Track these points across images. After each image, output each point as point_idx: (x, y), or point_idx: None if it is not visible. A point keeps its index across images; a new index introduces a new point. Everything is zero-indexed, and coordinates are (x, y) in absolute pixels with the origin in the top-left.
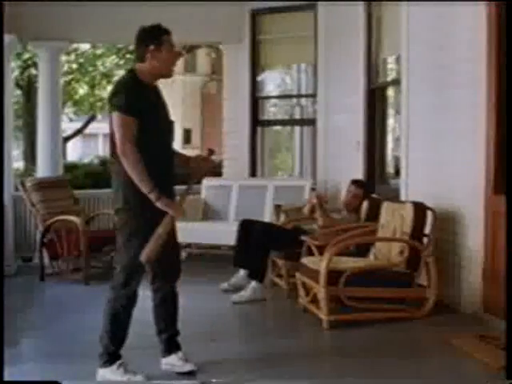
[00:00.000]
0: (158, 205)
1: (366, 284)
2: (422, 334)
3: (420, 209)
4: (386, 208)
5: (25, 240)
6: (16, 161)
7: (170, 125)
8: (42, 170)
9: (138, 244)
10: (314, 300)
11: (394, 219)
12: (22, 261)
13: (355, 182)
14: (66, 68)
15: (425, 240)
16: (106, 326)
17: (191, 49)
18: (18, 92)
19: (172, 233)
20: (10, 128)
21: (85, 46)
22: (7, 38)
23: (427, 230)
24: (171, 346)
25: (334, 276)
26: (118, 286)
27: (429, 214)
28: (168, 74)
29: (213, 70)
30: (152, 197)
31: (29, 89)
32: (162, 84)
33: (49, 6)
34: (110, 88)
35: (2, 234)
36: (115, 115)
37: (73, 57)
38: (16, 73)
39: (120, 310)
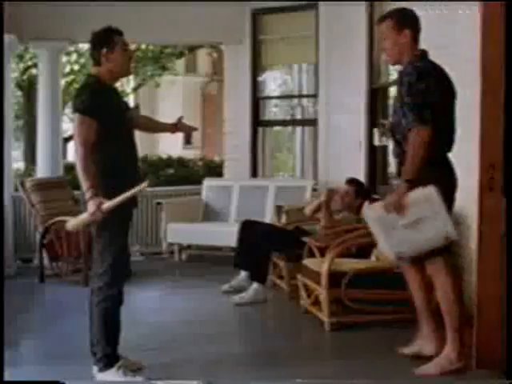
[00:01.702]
0: (89, 204)
1: (367, 286)
2: None
3: None
4: None
5: (25, 241)
6: (17, 161)
7: (130, 123)
8: (42, 171)
9: (122, 242)
10: (316, 302)
11: None
12: (22, 262)
13: (347, 180)
14: (67, 69)
15: None
16: (99, 330)
17: (192, 49)
18: (19, 93)
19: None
20: (9, 128)
21: (86, 46)
22: (7, 37)
23: None
24: None
25: (335, 278)
26: (105, 286)
27: None
28: (125, 74)
29: (213, 71)
30: (87, 194)
31: (29, 89)
32: (163, 84)
33: (49, 6)
34: None
35: (2, 235)
36: (76, 116)
37: (74, 57)
38: (16, 74)
39: (111, 310)
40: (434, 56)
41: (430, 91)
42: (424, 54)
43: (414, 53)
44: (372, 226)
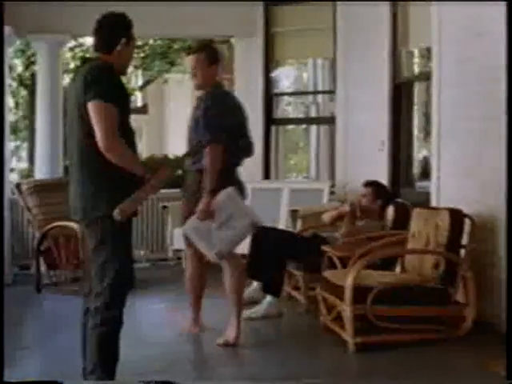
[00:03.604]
0: (153, 181)
1: (396, 301)
2: (459, 358)
3: (457, 217)
4: (417, 215)
5: (22, 246)
6: (24, 161)
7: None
8: (41, 172)
9: (125, 256)
10: (337, 318)
11: (427, 228)
12: (20, 269)
13: (364, 183)
14: (72, 65)
15: (462, 252)
16: (95, 357)
17: None
18: (24, 92)
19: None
20: (7, 128)
21: (89, 41)
22: (5, 30)
23: (464, 240)
24: None
25: (360, 292)
26: (103, 307)
27: (466, 222)
28: (126, 71)
29: (223, 68)
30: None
31: (33, 86)
32: (171, 83)
33: None
34: None
35: (2, 241)
36: (97, 104)
37: (78, 54)
38: (19, 70)
39: (109, 334)
40: (467, 49)
41: (222, 115)
42: (221, 85)
43: (215, 83)
44: (191, 237)
